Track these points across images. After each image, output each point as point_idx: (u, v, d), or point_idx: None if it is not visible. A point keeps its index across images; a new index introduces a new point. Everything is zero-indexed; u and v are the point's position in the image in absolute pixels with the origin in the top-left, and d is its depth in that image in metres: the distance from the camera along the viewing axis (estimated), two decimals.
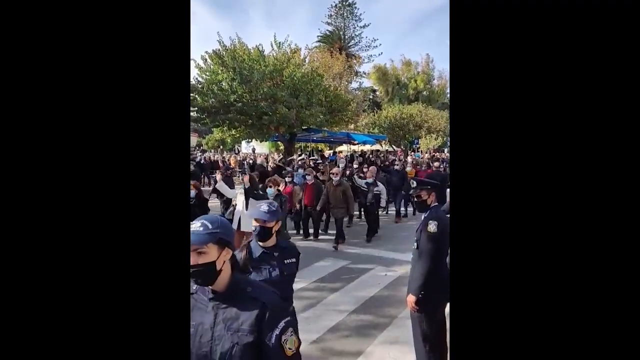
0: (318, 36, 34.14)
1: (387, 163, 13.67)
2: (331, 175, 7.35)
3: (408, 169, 10.15)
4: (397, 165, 10.46)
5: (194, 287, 1.41)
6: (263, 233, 2.21)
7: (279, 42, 13.36)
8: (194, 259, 1.30)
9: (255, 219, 2.21)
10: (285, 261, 2.26)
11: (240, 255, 2.13)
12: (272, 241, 2.26)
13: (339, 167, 9.82)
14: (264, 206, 2.25)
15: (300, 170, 8.94)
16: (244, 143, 25.15)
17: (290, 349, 1.32)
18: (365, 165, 10.91)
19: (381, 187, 7.64)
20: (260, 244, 2.24)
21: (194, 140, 20.74)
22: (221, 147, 30.48)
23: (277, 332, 1.31)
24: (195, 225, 1.34)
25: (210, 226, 1.34)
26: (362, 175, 9.07)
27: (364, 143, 18.69)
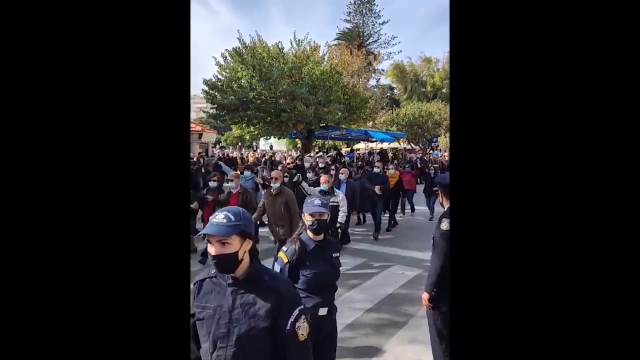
0: (337, 34, 34.06)
1: (363, 166, 10.73)
2: (271, 181, 4.95)
3: (390, 171, 8.23)
4: (377, 167, 7.99)
5: (212, 271, 1.50)
6: (320, 226, 2.27)
7: (299, 40, 13.39)
8: (217, 249, 1.39)
9: (311, 214, 2.26)
10: (333, 255, 2.34)
11: (293, 247, 2.23)
12: (322, 235, 2.32)
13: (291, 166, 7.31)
14: (316, 200, 2.30)
15: (247, 173, 7.00)
16: (262, 140, 25.34)
17: (302, 334, 1.44)
18: (333, 167, 8.37)
19: (340, 197, 5.59)
20: (314, 237, 2.29)
21: (212, 137, 20.96)
22: (240, 144, 30.78)
23: (292, 319, 1.42)
24: (219, 218, 1.42)
25: (233, 218, 1.42)
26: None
27: (382, 141, 18.56)
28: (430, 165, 10.58)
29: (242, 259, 1.44)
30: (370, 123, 19.92)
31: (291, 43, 13.43)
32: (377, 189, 7.05)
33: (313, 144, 16.59)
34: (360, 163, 11.80)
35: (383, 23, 33.55)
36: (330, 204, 5.10)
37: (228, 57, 12.53)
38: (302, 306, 1.49)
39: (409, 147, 23.74)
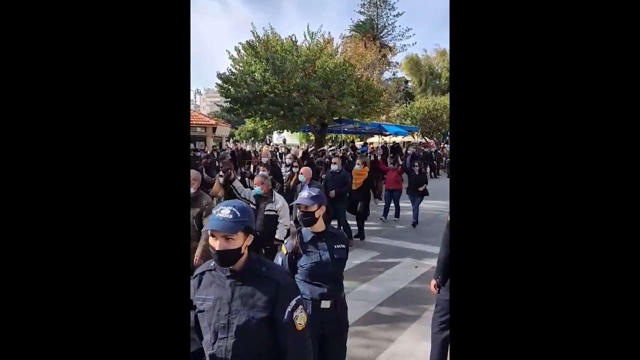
0: (350, 26, 33.78)
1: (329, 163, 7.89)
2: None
3: (357, 167, 6.96)
4: (335, 164, 6.37)
5: (212, 264, 1.54)
6: (305, 217, 2.28)
7: (312, 33, 13.33)
8: (221, 244, 1.42)
9: (298, 205, 2.29)
10: (335, 246, 2.31)
11: (292, 242, 2.27)
12: (320, 226, 2.31)
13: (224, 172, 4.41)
14: (305, 192, 2.32)
15: None
16: (275, 134, 25.40)
17: (300, 324, 1.47)
18: (296, 164, 6.65)
19: (279, 204, 3.98)
20: (309, 229, 2.30)
21: (226, 130, 21.10)
22: (253, 137, 30.96)
23: (289, 309, 1.45)
24: (225, 213, 1.43)
25: (239, 214, 1.44)
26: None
27: (396, 134, 18.44)
28: (415, 161, 8.76)
29: (243, 253, 1.48)
30: (384, 116, 19.77)
31: (304, 36, 13.39)
32: (331, 193, 6.04)
33: (326, 137, 16.57)
34: (327, 160, 8.83)
35: (397, 15, 33.08)
36: (265, 212, 3.85)
37: (242, 51, 12.56)
38: (300, 296, 1.53)
39: (423, 140, 23.54)
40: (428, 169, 18.36)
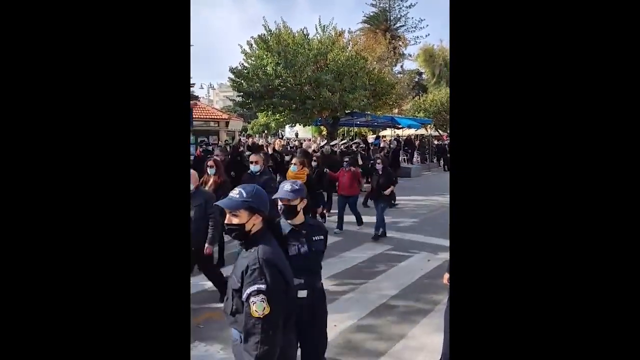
0: (362, 17, 33.43)
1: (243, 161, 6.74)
2: None
3: (293, 168, 5.71)
4: (256, 163, 4.82)
5: None
6: (288, 211, 2.30)
7: (324, 26, 13.25)
8: (228, 219, 1.68)
9: (280, 199, 2.30)
10: (314, 238, 2.33)
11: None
12: (299, 219, 2.33)
13: None
14: (287, 185, 2.32)
15: None
16: (287, 127, 25.43)
17: (256, 311, 1.53)
18: (212, 164, 5.01)
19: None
20: (288, 221, 2.31)
21: (239, 125, 21.21)
22: (265, 131, 31.04)
23: (248, 290, 1.56)
24: (234, 192, 1.71)
25: (244, 194, 1.68)
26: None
27: (409, 127, 18.26)
28: (377, 159, 7.12)
29: (250, 230, 1.69)
30: (397, 109, 19.60)
31: (316, 29, 13.32)
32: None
33: (338, 130, 16.51)
34: (242, 156, 7.34)
35: (410, 6, 32.60)
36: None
37: (254, 45, 12.56)
38: (265, 286, 1.55)
39: (435, 133, 23.29)
40: (442, 162, 18.25)
